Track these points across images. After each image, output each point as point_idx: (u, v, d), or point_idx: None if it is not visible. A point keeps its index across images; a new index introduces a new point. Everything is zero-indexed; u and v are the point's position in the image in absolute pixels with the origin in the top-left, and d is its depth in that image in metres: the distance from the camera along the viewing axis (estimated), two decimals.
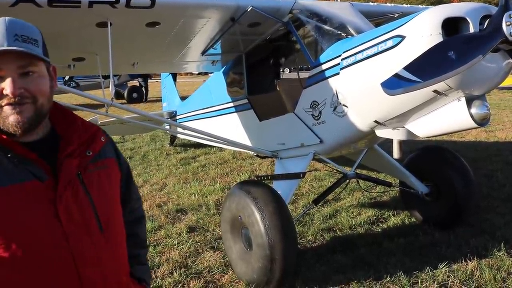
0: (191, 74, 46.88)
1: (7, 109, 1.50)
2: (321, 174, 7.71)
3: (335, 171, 5.59)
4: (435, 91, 3.38)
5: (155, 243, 5.24)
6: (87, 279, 1.57)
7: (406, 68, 3.03)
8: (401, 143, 4.44)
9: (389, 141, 5.16)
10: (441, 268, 4.32)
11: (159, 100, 21.00)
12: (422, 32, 3.34)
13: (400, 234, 5.19)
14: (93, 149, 1.70)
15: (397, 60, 3.44)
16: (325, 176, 7.61)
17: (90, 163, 1.68)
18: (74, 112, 1.83)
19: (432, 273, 4.27)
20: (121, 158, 1.91)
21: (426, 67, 3.00)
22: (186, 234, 5.47)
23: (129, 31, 4.84)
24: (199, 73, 44.69)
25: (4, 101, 1.50)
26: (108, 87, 4.76)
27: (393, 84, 3.04)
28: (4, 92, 1.49)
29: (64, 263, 1.53)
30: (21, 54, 1.49)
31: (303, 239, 5.18)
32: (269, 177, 5.20)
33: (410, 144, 7.71)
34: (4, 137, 1.52)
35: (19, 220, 1.47)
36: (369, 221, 5.64)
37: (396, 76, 3.01)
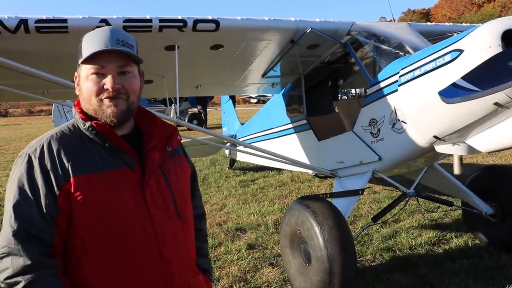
0: (249, 102, 47.69)
1: (106, 101, 1.77)
2: (380, 197, 7.65)
3: (394, 191, 5.54)
4: (496, 103, 3.36)
5: (215, 259, 5.38)
6: (167, 259, 1.77)
7: (464, 77, 3.06)
8: (462, 159, 4.37)
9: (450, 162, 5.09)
10: None
11: (218, 127, 21.55)
12: (481, 45, 3.35)
13: (463, 255, 5.07)
14: (171, 145, 1.93)
15: (455, 74, 3.44)
16: (384, 198, 7.54)
17: (168, 158, 1.91)
18: None
19: None
20: (188, 156, 2.14)
21: (485, 77, 3.01)
22: (245, 251, 5.58)
23: (195, 54, 5.12)
24: (258, 101, 45.43)
25: (104, 95, 1.76)
26: (170, 114, 5.04)
27: (451, 93, 3.07)
28: (105, 86, 1.75)
29: (150, 243, 1.74)
30: (121, 55, 1.77)
31: (362, 258, 5.16)
32: (327, 195, 5.24)
33: (473, 168, 7.51)
34: (108, 127, 1.78)
35: (115, 200, 1.71)
36: (430, 242, 5.53)
37: (454, 85, 3.05)
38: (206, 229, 2.36)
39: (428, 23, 5.97)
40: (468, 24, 6.12)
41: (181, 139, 2.03)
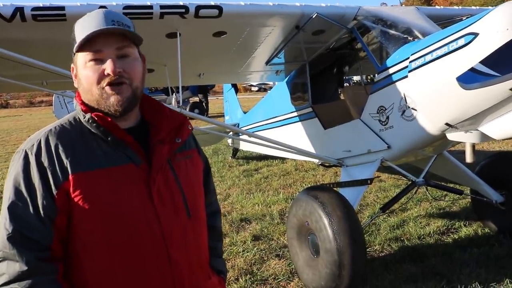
0: (250, 90, 47.50)
1: (108, 89, 1.60)
2: (386, 185, 7.55)
3: (401, 180, 5.45)
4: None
5: None
6: (175, 261, 1.64)
7: (483, 62, 2.93)
8: (474, 146, 4.27)
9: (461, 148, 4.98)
10: None
11: (219, 115, 21.43)
12: (497, 28, 3.22)
13: (473, 244, 4.98)
14: (181, 137, 1.77)
15: (470, 58, 3.33)
16: (390, 187, 7.43)
17: (177, 153, 1.75)
18: None
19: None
20: (200, 149, 1.97)
21: (504, 61, 2.89)
22: (250, 242, 5.49)
23: (197, 41, 4.99)
24: (259, 89, 45.22)
25: (106, 81, 1.60)
26: (171, 103, 4.92)
27: (470, 79, 2.95)
28: (105, 72, 1.59)
29: (156, 243, 1.61)
30: (118, 36, 1.60)
31: (370, 248, 5.06)
32: (335, 185, 5.14)
33: (486, 155, 7.40)
34: (109, 119, 1.62)
35: (118, 199, 1.57)
36: (438, 231, 5.44)
37: (473, 70, 2.92)
38: (221, 226, 2.21)
39: (437, 6, 5.81)
40: (477, 7, 5.98)
41: (192, 129, 1.87)
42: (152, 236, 1.60)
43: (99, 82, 1.60)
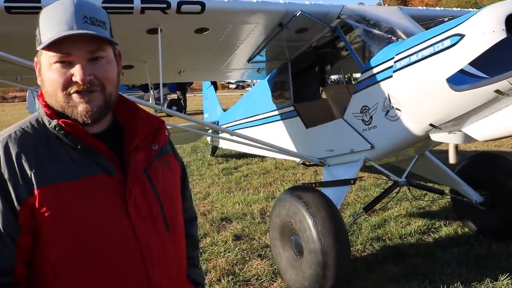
0: (228, 88, 47.37)
1: (75, 97, 1.42)
2: (366, 184, 7.56)
3: (380, 178, 5.45)
4: (496, 91, 3.23)
5: (201, 251, 5.20)
6: (154, 280, 1.50)
7: (472, 64, 2.92)
8: (457, 147, 4.29)
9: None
10: (502, 280, 4.11)
11: (198, 113, 21.27)
12: (483, 29, 3.21)
13: (454, 244, 5.00)
14: (158, 143, 1.61)
15: (456, 59, 3.32)
16: (370, 186, 7.46)
17: (154, 159, 1.60)
18: None
19: (492, 285, 4.07)
20: (177, 153, 1.83)
21: (493, 63, 2.89)
22: (232, 242, 5.42)
23: (178, 38, 4.89)
24: (237, 87, 45.13)
25: (73, 88, 1.41)
26: (148, 100, 4.83)
27: (459, 80, 2.94)
28: (74, 78, 1.40)
29: (134, 261, 1.47)
30: (91, 38, 1.40)
31: (352, 248, 5.03)
32: (317, 184, 5.10)
33: (464, 156, 7.47)
34: (80, 127, 1.44)
35: (90, 214, 1.41)
36: (419, 231, 5.46)
37: (462, 72, 2.91)
38: (197, 234, 2.08)
39: (419, 7, 5.84)
40: (458, 9, 6.03)
41: (169, 134, 1.71)
42: (129, 254, 1.45)
43: (65, 88, 1.41)
